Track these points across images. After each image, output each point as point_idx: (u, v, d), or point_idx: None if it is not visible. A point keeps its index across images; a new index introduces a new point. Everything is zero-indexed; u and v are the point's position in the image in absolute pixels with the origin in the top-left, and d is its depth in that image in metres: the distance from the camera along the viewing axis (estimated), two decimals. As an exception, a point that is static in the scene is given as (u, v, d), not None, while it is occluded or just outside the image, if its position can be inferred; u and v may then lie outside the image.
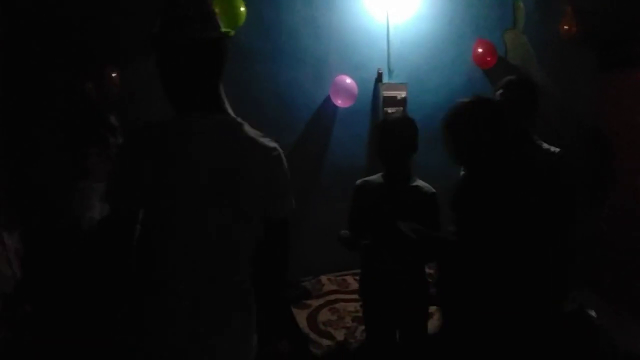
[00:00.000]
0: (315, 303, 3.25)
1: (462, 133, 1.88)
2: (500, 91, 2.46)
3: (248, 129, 1.51)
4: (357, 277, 3.50)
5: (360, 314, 2.90)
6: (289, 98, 3.66)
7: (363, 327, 2.66)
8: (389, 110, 3.81)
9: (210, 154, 1.43)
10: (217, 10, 3.17)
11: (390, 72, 3.89)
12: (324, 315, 3.11)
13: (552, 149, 2.40)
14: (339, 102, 3.69)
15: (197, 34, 1.39)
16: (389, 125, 2.39)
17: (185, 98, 1.45)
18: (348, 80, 3.67)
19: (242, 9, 3.26)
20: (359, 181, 2.52)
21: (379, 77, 3.85)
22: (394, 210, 2.29)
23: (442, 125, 1.96)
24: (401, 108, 3.80)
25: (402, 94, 3.85)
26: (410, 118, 2.43)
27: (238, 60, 3.47)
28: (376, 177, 2.48)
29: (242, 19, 3.29)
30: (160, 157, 1.37)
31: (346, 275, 3.63)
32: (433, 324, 2.57)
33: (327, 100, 3.73)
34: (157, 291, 1.40)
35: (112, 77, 2.97)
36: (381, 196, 2.38)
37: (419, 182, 2.42)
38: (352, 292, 3.33)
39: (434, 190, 2.41)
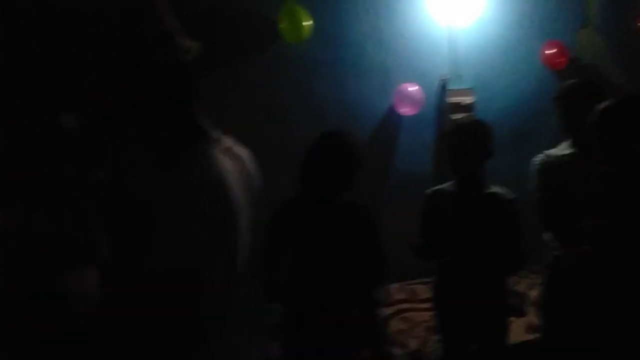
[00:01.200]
0: (385, 311, 3.24)
1: (618, 130, 1.84)
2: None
3: None
4: (427, 286, 3.50)
5: (432, 324, 2.86)
6: (353, 108, 3.69)
7: (437, 338, 2.62)
8: (455, 116, 3.75)
9: None
10: (282, 25, 3.27)
11: (455, 78, 3.83)
12: (395, 324, 3.10)
13: None
14: (404, 111, 3.67)
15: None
16: (463, 130, 2.31)
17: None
18: (412, 88, 3.65)
19: (307, 22, 3.33)
20: (429, 190, 2.46)
21: (444, 83, 3.81)
22: (472, 219, 2.22)
23: (598, 123, 1.90)
24: (469, 114, 3.73)
25: (468, 100, 3.79)
26: (484, 122, 2.35)
27: (301, 72, 3.56)
28: (448, 186, 2.42)
29: (308, 31, 3.35)
30: None
31: (415, 284, 3.58)
32: (513, 335, 2.49)
33: (392, 108, 3.72)
34: None
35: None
36: (456, 205, 2.31)
37: (496, 188, 2.33)
38: (422, 301, 3.29)
39: (513, 195, 2.31)
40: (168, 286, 1.07)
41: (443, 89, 3.81)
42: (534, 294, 3.14)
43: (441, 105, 3.83)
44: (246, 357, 1.42)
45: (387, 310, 3.26)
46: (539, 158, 2.44)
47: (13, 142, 1.33)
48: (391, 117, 3.75)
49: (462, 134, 2.30)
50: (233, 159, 1.29)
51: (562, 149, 2.42)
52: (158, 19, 1.16)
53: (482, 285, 2.28)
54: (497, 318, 2.34)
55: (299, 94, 3.56)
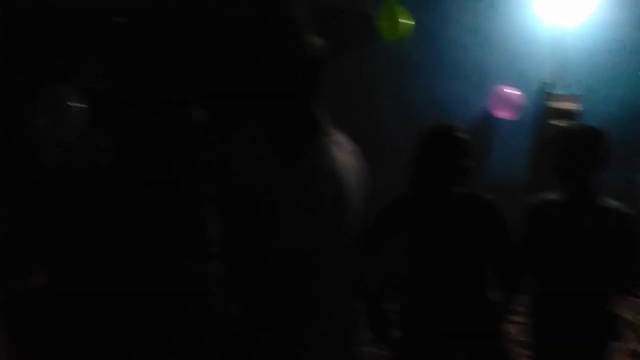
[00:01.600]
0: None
1: None
2: None
3: None
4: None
5: (521, 339, 2.74)
6: (447, 108, 3.60)
7: (528, 354, 2.50)
8: (556, 123, 3.55)
9: None
10: (381, 23, 3.26)
11: (558, 81, 3.63)
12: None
13: None
14: (500, 114, 3.54)
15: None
16: (574, 135, 2.16)
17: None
18: (510, 91, 3.51)
19: (406, 20, 3.30)
20: (533, 200, 2.31)
21: (545, 87, 3.62)
22: (582, 233, 2.09)
23: None
24: (572, 121, 3.52)
25: (570, 106, 3.57)
26: (599, 129, 2.17)
27: (396, 70, 3.54)
28: (554, 196, 2.29)
29: (407, 30, 3.32)
30: None
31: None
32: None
33: (488, 111, 3.60)
34: None
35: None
36: (564, 217, 2.19)
37: (609, 202, 2.14)
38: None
39: (628, 210, 2.12)
40: (284, 267, 1.15)
41: (544, 93, 3.63)
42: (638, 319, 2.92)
43: (541, 110, 3.64)
44: (348, 340, 1.42)
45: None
46: None
47: (148, 136, 1.45)
48: (486, 120, 3.63)
49: (572, 139, 2.15)
50: (345, 152, 1.33)
51: None
52: (293, 14, 1.21)
53: (586, 305, 2.13)
54: (599, 342, 2.18)
55: (393, 92, 3.53)
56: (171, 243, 1.53)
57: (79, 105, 2.03)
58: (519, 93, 3.51)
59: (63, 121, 1.96)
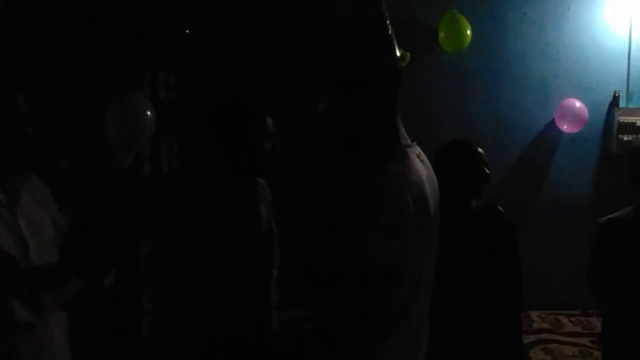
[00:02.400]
0: (524, 339, 3.06)
1: None
2: None
3: None
4: (572, 319, 3.24)
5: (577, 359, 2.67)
6: (507, 121, 3.52)
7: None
8: (625, 138, 3.41)
9: None
10: (443, 34, 3.25)
11: (629, 95, 3.48)
12: (537, 354, 2.92)
13: None
14: (565, 127, 3.43)
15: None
16: None
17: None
18: (577, 104, 3.39)
19: (468, 31, 3.27)
20: (603, 219, 2.27)
21: (615, 100, 3.47)
22: None
23: None
24: (642, 136, 3.37)
25: (641, 120, 3.42)
26: None
27: (457, 81, 3.50)
28: (624, 214, 2.22)
29: (468, 41, 3.29)
30: None
31: (560, 315, 3.34)
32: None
33: (551, 124, 3.49)
34: None
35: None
36: (635, 235, 2.11)
37: None
38: (567, 334, 3.06)
39: None
40: (363, 280, 1.14)
41: (613, 106, 3.48)
42: None
43: (609, 123, 3.50)
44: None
45: (527, 338, 3.09)
46: None
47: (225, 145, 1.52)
48: (549, 134, 3.52)
49: None
50: (424, 163, 1.34)
51: None
52: (384, 26, 1.26)
53: None
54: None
55: (452, 103, 3.50)
56: (236, 248, 1.59)
57: (150, 113, 2.16)
58: (584, 106, 3.39)
59: (136, 128, 2.08)
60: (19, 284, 1.13)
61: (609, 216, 2.26)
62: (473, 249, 2.02)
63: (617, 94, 3.46)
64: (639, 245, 2.10)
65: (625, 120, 3.43)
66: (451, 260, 2.01)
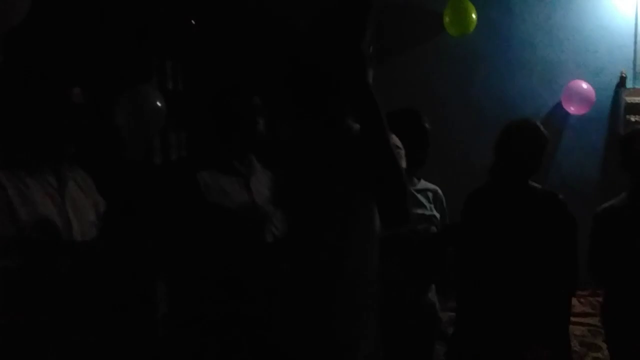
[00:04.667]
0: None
1: None
2: None
3: None
4: (581, 300, 3.25)
5: (587, 339, 2.69)
6: (514, 104, 3.51)
7: (593, 355, 2.45)
8: (632, 118, 3.40)
9: None
10: (448, 18, 3.24)
11: (636, 75, 3.46)
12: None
13: None
14: (572, 109, 3.42)
15: None
16: None
17: None
18: (584, 86, 3.38)
19: (473, 15, 3.26)
20: (599, 209, 2.28)
21: (622, 81, 3.46)
22: None
23: None
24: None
25: (649, 100, 3.41)
26: None
27: (462, 65, 3.50)
28: (619, 201, 2.23)
29: (473, 25, 3.28)
30: None
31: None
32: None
33: (558, 107, 3.49)
34: None
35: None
36: (631, 222, 2.13)
37: None
38: (577, 314, 3.07)
39: None
40: None
41: (620, 87, 3.47)
42: None
43: (616, 104, 3.49)
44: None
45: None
46: None
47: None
48: (556, 116, 3.52)
49: None
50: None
51: None
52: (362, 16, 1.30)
53: None
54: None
55: (458, 87, 3.50)
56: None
57: (160, 104, 2.18)
58: (591, 88, 3.38)
59: (146, 119, 2.11)
60: (62, 254, 1.26)
61: (604, 205, 2.28)
62: (531, 232, 2.03)
63: (623, 75, 3.45)
64: (634, 232, 2.11)
65: (633, 101, 3.42)
66: (507, 240, 2.04)
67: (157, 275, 1.99)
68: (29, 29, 1.31)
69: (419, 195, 2.17)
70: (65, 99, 1.26)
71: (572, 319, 3.07)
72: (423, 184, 2.23)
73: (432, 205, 2.19)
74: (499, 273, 2.03)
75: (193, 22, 2.87)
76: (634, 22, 3.42)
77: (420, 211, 2.13)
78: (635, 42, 3.44)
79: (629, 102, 3.42)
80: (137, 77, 2.41)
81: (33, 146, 1.26)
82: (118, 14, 2.49)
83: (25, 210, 1.19)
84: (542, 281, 2.02)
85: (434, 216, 2.16)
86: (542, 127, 2.12)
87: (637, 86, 3.45)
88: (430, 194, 2.20)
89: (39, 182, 1.25)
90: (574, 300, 3.28)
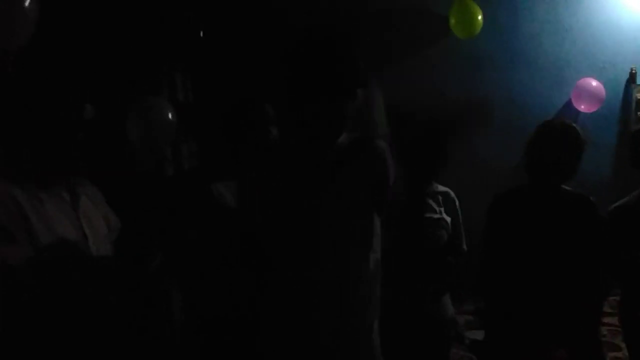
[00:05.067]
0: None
1: None
2: None
3: None
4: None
5: (606, 339, 2.65)
6: (524, 103, 3.50)
7: (613, 354, 2.41)
8: (645, 114, 3.37)
9: None
10: (453, 20, 3.24)
11: (646, 71, 3.44)
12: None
13: None
14: (582, 107, 3.40)
15: None
16: None
17: None
18: (594, 83, 3.36)
19: (479, 17, 3.26)
20: (611, 208, 2.23)
21: (632, 77, 3.43)
22: None
23: None
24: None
25: (661, 96, 3.38)
26: None
27: (471, 67, 3.49)
28: (631, 198, 2.19)
29: (479, 27, 3.28)
30: None
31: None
32: None
33: (568, 105, 3.47)
34: None
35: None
36: None
37: None
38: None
39: None
40: None
41: (630, 82, 3.44)
42: None
43: (627, 101, 3.46)
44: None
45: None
46: None
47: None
48: (567, 114, 3.49)
49: None
50: None
51: None
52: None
53: None
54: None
55: (467, 89, 3.49)
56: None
57: (171, 116, 2.20)
58: (601, 85, 3.35)
59: (156, 130, 2.13)
60: (81, 269, 1.27)
61: (616, 204, 2.24)
62: (564, 234, 2.00)
63: (633, 71, 3.42)
64: None
65: (644, 97, 3.39)
66: (539, 243, 2.02)
67: (171, 284, 1.99)
68: (39, 42, 1.32)
69: (428, 199, 2.15)
70: (78, 113, 1.27)
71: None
72: (433, 186, 2.22)
73: (442, 209, 2.16)
74: (531, 276, 2.00)
75: (201, 33, 2.90)
76: (640, 15, 3.40)
77: (428, 215, 2.12)
78: (644, 38, 3.41)
79: (640, 98, 3.40)
80: (147, 89, 2.43)
81: (45, 160, 1.26)
82: (127, 27, 2.52)
83: (42, 227, 1.19)
84: (575, 284, 1.99)
85: (443, 219, 2.14)
86: (578, 128, 2.08)
87: (648, 82, 3.42)
88: (440, 197, 2.18)
89: (53, 197, 1.25)
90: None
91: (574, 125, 2.11)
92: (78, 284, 1.24)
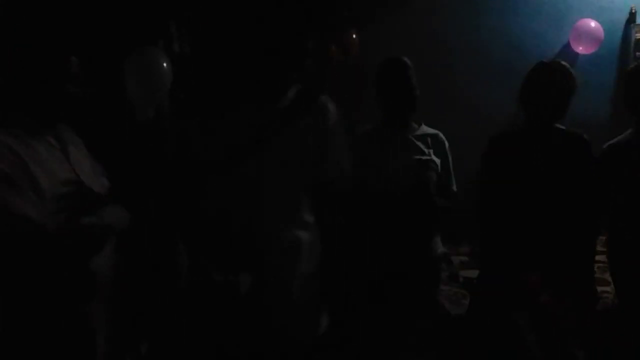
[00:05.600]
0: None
1: None
2: None
3: None
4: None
5: (596, 275, 2.73)
6: (522, 46, 3.46)
7: (601, 289, 2.50)
8: (645, 55, 3.34)
9: None
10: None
11: (646, 10, 3.38)
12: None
13: None
14: (580, 49, 3.38)
15: None
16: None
17: None
18: (592, 24, 3.32)
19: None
20: (605, 146, 2.23)
21: (632, 17, 3.39)
22: None
23: None
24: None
25: (661, 36, 3.34)
26: None
27: (468, 12, 3.45)
28: (625, 137, 2.20)
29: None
30: None
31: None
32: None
33: (566, 47, 3.44)
34: None
35: (353, 39, 3.23)
36: (636, 158, 2.11)
37: None
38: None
39: None
40: None
41: (630, 23, 3.40)
42: None
43: (626, 41, 3.43)
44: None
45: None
46: None
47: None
48: (565, 56, 3.46)
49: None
50: None
51: None
52: None
53: None
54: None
55: (464, 31, 3.47)
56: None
57: (167, 66, 2.22)
58: (600, 26, 3.32)
59: (155, 81, 2.15)
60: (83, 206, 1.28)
61: (610, 142, 2.25)
62: (558, 173, 2.05)
63: (633, 10, 3.37)
64: (638, 167, 2.11)
65: (643, 37, 3.36)
66: (534, 182, 2.05)
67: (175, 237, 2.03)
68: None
69: (417, 142, 2.19)
70: (63, 65, 1.25)
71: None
72: (423, 129, 2.25)
73: (431, 150, 2.20)
74: (525, 214, 2.05)
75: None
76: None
77: (417, 156, 2.16)
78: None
79: (638, 37, 3.36)
80: (143, 40, 2.44)
81: (33, 110, 1.25)
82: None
83: (41, 172, 1.19)
84: (568, 221, 2.04)
85: (432, 161, 2.18)
86: (571, 69, 2.10)
87: (648, 21, 3.38)
88: (429, 139, 2.22)
89: (43, 144, 1.24)
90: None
91: (565, 65, 2.12)
92: (83, 225, 1.25)
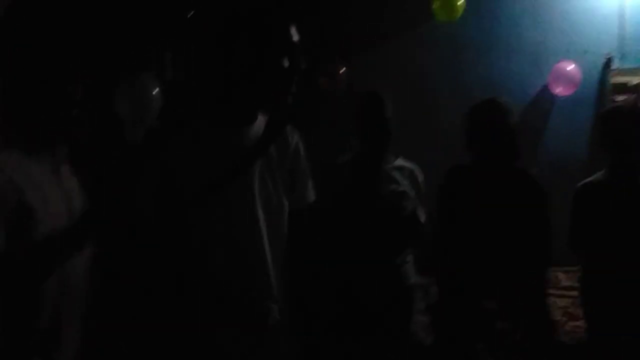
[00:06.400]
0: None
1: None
2: None
3: None
4: (569, 274, 3.36)
5: (570, 310, 2.80)
6: (502, 86, 3.57)
7: (573, 324, 2.55)
8: (618, 98, 3.48)
9: None
10: (436, 4, 3.33)
11: (622, 56, 3.54)
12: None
13: None
14: (558, 91, 3.51)
15: None
16: (623, 113, 2.22)
17: None
18: (569, 67, 3.47)
19: (461, 1, 3.34)
20: (579, 185, 2.32)
21: (608, 62, 3.54)
22: (626, 212, 2.12)
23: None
24: (634, 95, 3.45)
25: (636, 81, 3.49)
26: None
27: (450, 50, 3.59)
28: (599, 176, 2.29)
29: (461, 10, 3.36)
30: None
31: (558, 272, 3.47)
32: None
33: (545, 88, 3.58)
34: None
35: (341, 71, 3.34)
36: (609, 197, 2.20)
37: None
38: (563, 288, 3.19)
39: None
40: None
41: (606, 67, 3.55)
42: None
43: (603, 85, 3.58)
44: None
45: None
46: None
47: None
48: (544, 98, 3.61)
49: (621, 118, 2.18)
50: None
51: None
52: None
53: (633, 280, 2.15)
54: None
55: (447, 73, 3.60)
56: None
57: (158, 92, 2.30)
58: (578, 69, 3.46)
59: (145, 105, 2.22)
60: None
61: (584, 181, 2.33)
62: (504, 209, 2.09)
63: (610, 56, 3.52)
64: (614, 205, 2.19)
65: (619, 81, 3.50)
66: (482, 218, 2.12)
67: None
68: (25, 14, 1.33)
69: (394, 172, 2.27)
70: (76, 90, 1.26)
71: (558, 291, 3.22)
72: (400, 161, 2.34)
73: (406, 182, 2.27)
74: (478, 247, 2.11)
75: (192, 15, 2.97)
76: (617, 2, 3.49)
77: (393, 187, 2.23)
78: (620, 23, 3.51)
79: (615, 82, 3.50)
80: (136, 67, 2.52)
81: (38, 132, 1.26)
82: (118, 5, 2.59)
83: (34, 196, 1.18)
84: (519, 255, 2.09)
85: (406, 192, 2.25)
86: (504, 104, 2.14)
87: (623, 67, 3.53)
88: (406, 172, 2.30)
89: (38, 163, 1.24)
90: (561, 275, 3.41)
91: (503, 105, 2.14)
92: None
